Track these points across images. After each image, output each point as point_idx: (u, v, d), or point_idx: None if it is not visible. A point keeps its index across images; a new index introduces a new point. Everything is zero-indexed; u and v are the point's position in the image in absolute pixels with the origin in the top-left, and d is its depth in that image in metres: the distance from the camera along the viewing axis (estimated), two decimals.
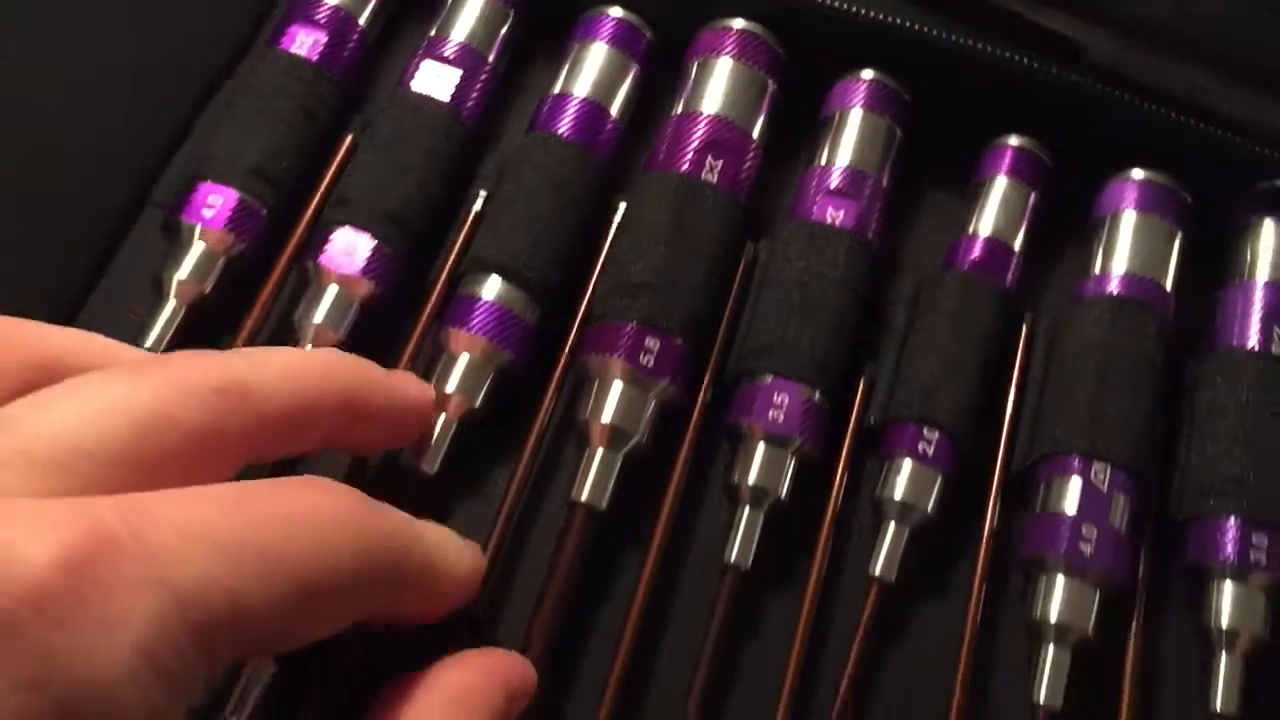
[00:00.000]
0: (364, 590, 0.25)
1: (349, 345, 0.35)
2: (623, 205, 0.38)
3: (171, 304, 0.35)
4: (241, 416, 0.26)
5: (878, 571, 0.34)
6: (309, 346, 0.35)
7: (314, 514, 0.24)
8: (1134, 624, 0.33)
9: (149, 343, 0.34)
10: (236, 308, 0.35)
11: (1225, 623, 0.33)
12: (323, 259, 0.35)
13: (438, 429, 0.34)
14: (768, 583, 0.34)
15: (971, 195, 0.40)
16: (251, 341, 0.35)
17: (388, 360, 0.34)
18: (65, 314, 0.37)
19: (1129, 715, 0.32)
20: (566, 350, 0.35)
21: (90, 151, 0.38)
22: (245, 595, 0.22)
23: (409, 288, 0.37)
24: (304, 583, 0.23)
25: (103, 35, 0.39)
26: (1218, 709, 0.32)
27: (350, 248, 0.36)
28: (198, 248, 0.35)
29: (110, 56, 0.39)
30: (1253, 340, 0.36)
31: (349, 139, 0.37)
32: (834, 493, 0.35)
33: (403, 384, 0.31)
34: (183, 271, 0.35)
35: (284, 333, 0.36)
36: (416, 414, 0.31)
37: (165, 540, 0.21)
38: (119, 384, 0.24)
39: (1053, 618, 0.33)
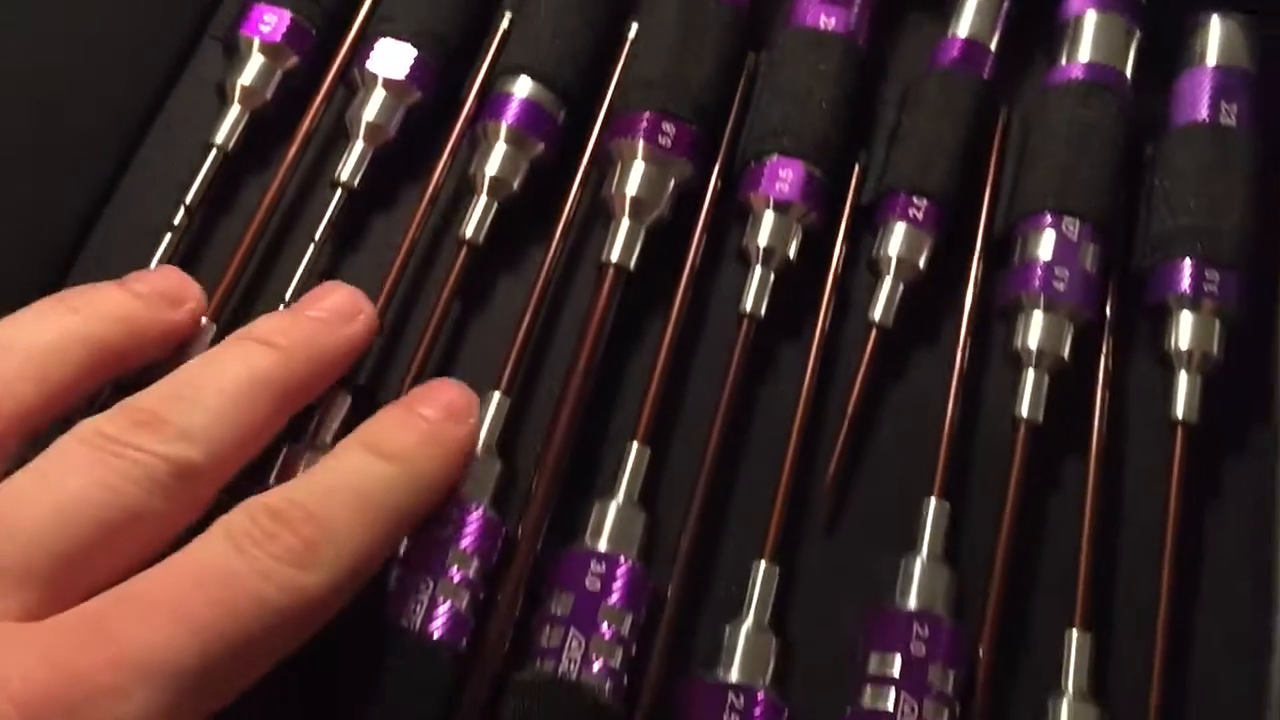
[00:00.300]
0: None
1: (398, 143, 0.39)
2: (635, 25, 0.42)
3: (236, 109, 0.39)
4: (193, 491, 0.28)
5: (876, 317, 0.38)
6: (361, 144, 0.39)
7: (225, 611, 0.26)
8: (1104, 351, 0.38)
9: (219, 139, 0.38)
10: (294, 120, 0.39)
11: (1184, 345, 0.37)
12: (370, 64, 0.40)
13: (480, 207, 0.38)
14: (779, 333, 0.39)
15: (951, 5, 0.44)
16: (306, 145, 0.39)
17: (430, 153, 0.38)
18: (133, 138, 0.41)
19: (1100, 429, 0.37)
20: (594, 135, 0.40)
21: None
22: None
23: (446, 101, 0.41)
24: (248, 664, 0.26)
25: None
26: (1179, 417, 0.36)
27: (394, 55, 0.40)
28: (257, 59, 0.39)
29: None
30: (1203, 114, 0.40)
31: None
32: (835, 253, 0.39)
33: (326, 333, 0.33)
34: (245, 78, 0.39)
35: (338, 137, 0.40)
36: (355, 338, 0.34)
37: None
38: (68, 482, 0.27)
39: (1032, 344, 0.37)
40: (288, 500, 0.28)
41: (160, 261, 0.36)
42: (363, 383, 0.36)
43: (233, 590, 0.26)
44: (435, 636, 0.31)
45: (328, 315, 0.33)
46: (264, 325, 0.32)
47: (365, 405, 0.34)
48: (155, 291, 0.33)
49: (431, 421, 0.32)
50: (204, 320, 0.35)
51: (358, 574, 0.28)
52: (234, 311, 0.37)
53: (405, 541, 0.32)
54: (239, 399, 0.30)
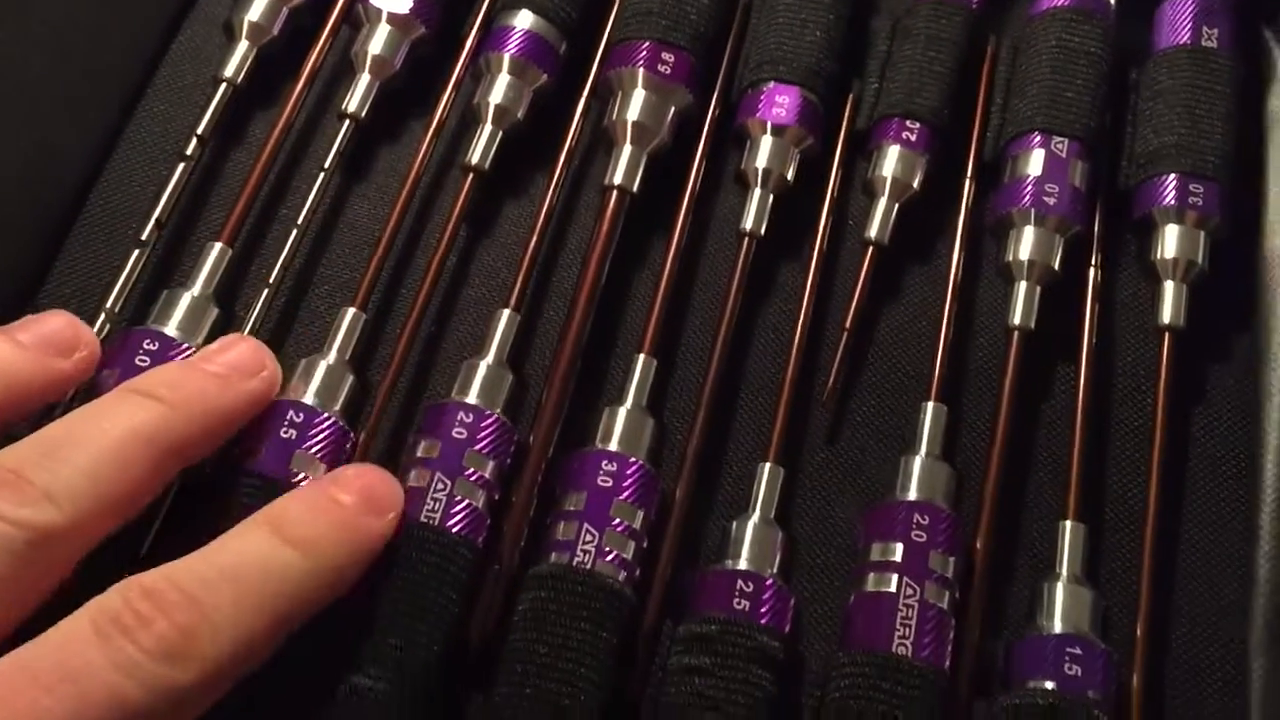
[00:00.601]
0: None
1: (403, 76, 0.41)
2: None
3: (244, 44, 0.40)
4: (57, 554, 0.27)
5: (873, 235, 0.39)
6: (367, 77, 0.40)
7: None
8: (1092, 263, 0.39)
9: (228, 73, 0.39)
10: (300, 56, 0.40)
11: (1170, 254, 0.38)
12: (374, 0, 0.41)
13: (485, 135, 0.39)
14: (778, 253, 0.40)
15: None
16: (313, 79, 0.40)
17: (433, 88, 0.39)
18: (145, 68, 0.42)
19: (1089, 336, 0.38)
20: (595, 67, 0.41)
21: None
22: None
23: (449, 36, 0.42)
24: None
25: None
26: (1166, 322, 0.37)
27: None
28: None
29: None
30: (1185, 37, 0.42)
31: None
32: (832, 176, 0.40)
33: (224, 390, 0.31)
34: (253, 14, 0.40)
35: (343, 72, 0.41)
36: (254, 395, 0.32)
37: None
38: None
39: (1023, 256, 0.38)
40: (168, 581, 0.26)
41: (175, 189, 0.37)
42: (370, 313, 0.37)
43: (87, 688, 0.24)
44: (455, 531, 0.32)
45: (225, 370, 0.32)
46: (153, 378, 0.31)
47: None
48: (41, 340, 0.31)
49: (346, 509, 0.30)
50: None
51: (239, 666, 0.27)
52: (247, 237, 0.38)
53: (421, 444, 0.33)
54: (114, 456, 0.28)
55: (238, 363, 0.32)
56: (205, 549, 0.28)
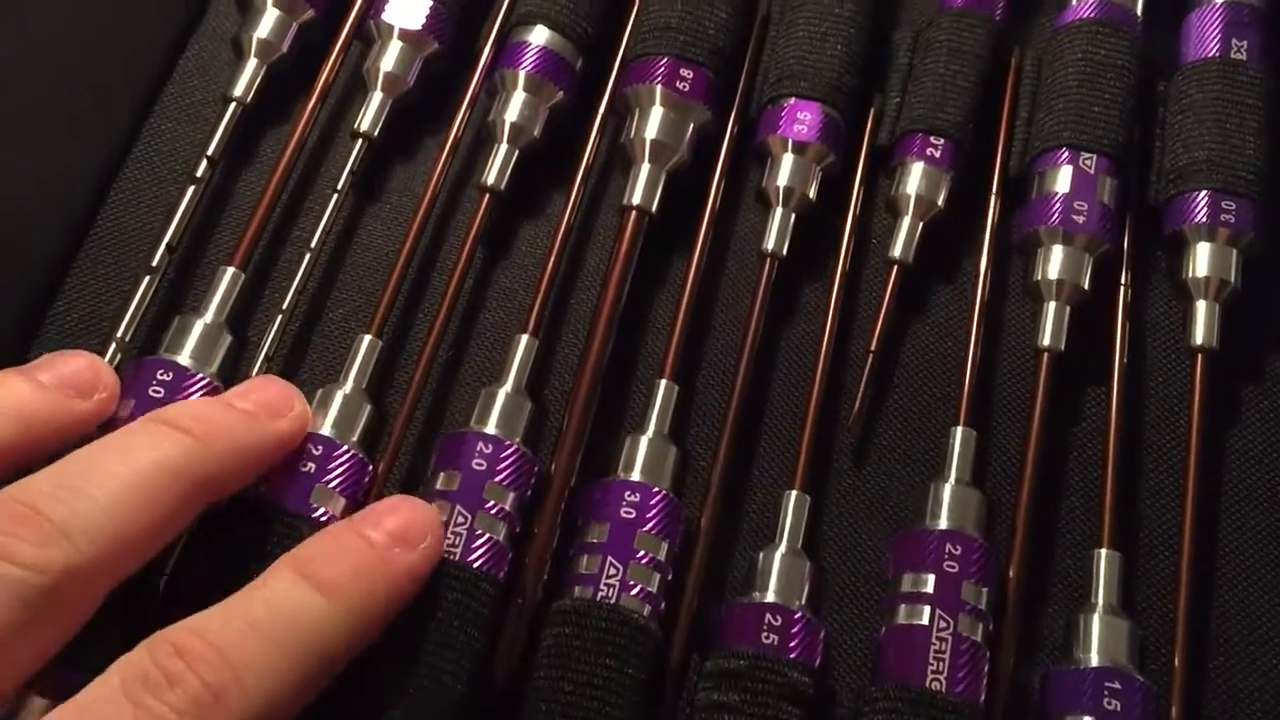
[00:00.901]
0: None
1: (416, 93, 0.40)
2: None
3: (253, 63, 0.39)
4: (80, 590, 0.26)
5: (897, 254, 0.38)
6: (379, 95, 0.39)
7: None
8: (1123, 282, 0.38)
9: (237, 92, 0.38)
10: (311, 73, 0.39)
11: (1202, 273, 0.37)
12: (385, 15, 0.40)
13: (501, 155, 0.38)
14: (801, 273, 0.39)
15: None
16: (325, 97, 0.39)
17: (448, 104, 0.39)
18: (152, 86, 0.41)
19: (1120, 357, 0.37)
20: (611, 82, 0.40)
21: None
22: None
23: (463, 51, 0.41)
24: None
25: None
26: (1199, 343, 0.37)
27: (410, 6, 0.40)
28: (272, 13, 0.40)
29: None
30: (1214, 50, 0.41)
31: None
32: (854, 194, 0.39)
33: (256, 426, 0.30)
34: (261, 31, 0.39)
35: (355, 89, 0.41)
36: (283, 435, 0.31)
37: None
38: None
39: (1052, 276, 0.37)
40: (197, 636, 0.25)
41: (185, 212, 0.36)
42: (386, 339, 0.36)
43: None
44: (476, 566, 0.31)
45: (255, 408, 0.31)
46: (182, 410, 0.30)
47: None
48: (62, 380, 0.30)
49: (377, 547, 0.29)
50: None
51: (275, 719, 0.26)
52: (260, 261, 0.38)
53: (440, 476, 0.32)
54: (139, 489, 0.27)
55: (267, 402, 0.31)
56: (232, 600, 0.27)
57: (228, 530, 0.31)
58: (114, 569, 0.27)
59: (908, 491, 0.36)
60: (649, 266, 0.39)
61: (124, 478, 0.27)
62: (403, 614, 0.30)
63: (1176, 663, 0.33)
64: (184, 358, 0.33)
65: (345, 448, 0.32)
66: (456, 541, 0.31)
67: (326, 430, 0.33)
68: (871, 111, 0.41)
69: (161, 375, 0.32)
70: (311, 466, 0.32)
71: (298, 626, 0.27)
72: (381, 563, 0.29)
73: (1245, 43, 0.41)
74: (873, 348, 0.37)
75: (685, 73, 0.39)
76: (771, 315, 0.38)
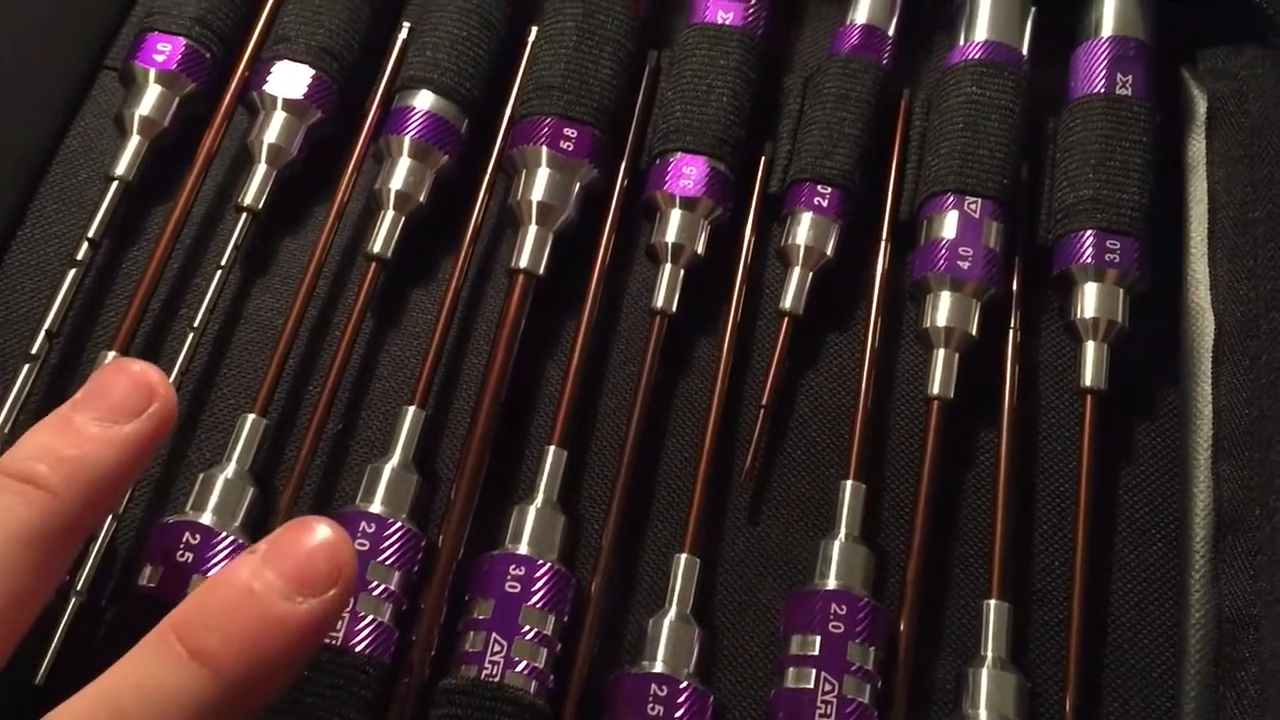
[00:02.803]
0: None
1: (301, 163, 0.39)
2: (535, 29, 0.42)
3: (135, 140, 0.39)
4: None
5: (787, 306, 0.38)
6: (263, 167, 0.39)
7: None
8: (1012, 325, 0.38)
9: (119, 170, 0.38)
10: (194, 144, 0.39)
11: (1090, 313, 0.37)
12: (268, 86, 0.39)
13: (387, 222, 0.38)
14: (692, 327, 0.39)
15: None
16: (206, 170, 0.39)
17: (335, 169, 0.39)
18: (36, 167, 0.41)
19: (1011, 401, 0.37)
20: (499, 142, 0.40)
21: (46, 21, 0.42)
22: None
23: (352, 115, 0.41)
24: None
25: None
26: (1088, 384, 0.37)
27: (292, 76, 0.40)
28: (154, 89, 0.39)
29: None
30: (1100, 85, 0.41)
31: None
32: (745, 245, 0.39)
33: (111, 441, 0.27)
34: (143, 108, 0.39)
35: (241, 159, 0.40)
36: (145, 436, 0.27)
37: None
38: None
39: (940, 323, 0.37)
40: None
41: (66, 296, 0.36)
42: (275, 415, 0.36)
43: None
44: (359, 650, 0.31)
45: (107, 415, 0.27)
46: (27, 451, 0.26)
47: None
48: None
49: (270, 599, 0.24)
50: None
51: None
52: (145, 341, 0.37)
53: None
54: None
55: (122, 404, 0.27)
56: (100, 684, 0.25)
57: (105, 623, 0.31)
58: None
59: (803, 544, 0.36)
60: (540, 327, 0.39)
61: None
62: (283, 700, 0.29)
63: (1068, 708, 0.33)
64: None
65: (226, 535, 0.32)
66: (339, 626, 0.31)
67: (206, 519, 0.33)
68: (762, 159, 0.41)
69: None
70: (189, 557, 0.32)
71: (171, 709, 0.23)
72: (277, 621, 0.24)
73: (1130, 77, 0.41)
74: (764, 402, 0.37)
75: (569, 132, 0.39)
76: (664, 371, 0.38)
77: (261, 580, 0.24)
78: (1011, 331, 0.38)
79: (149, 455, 0.28)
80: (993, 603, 0.34)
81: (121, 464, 0.27)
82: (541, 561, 0.33)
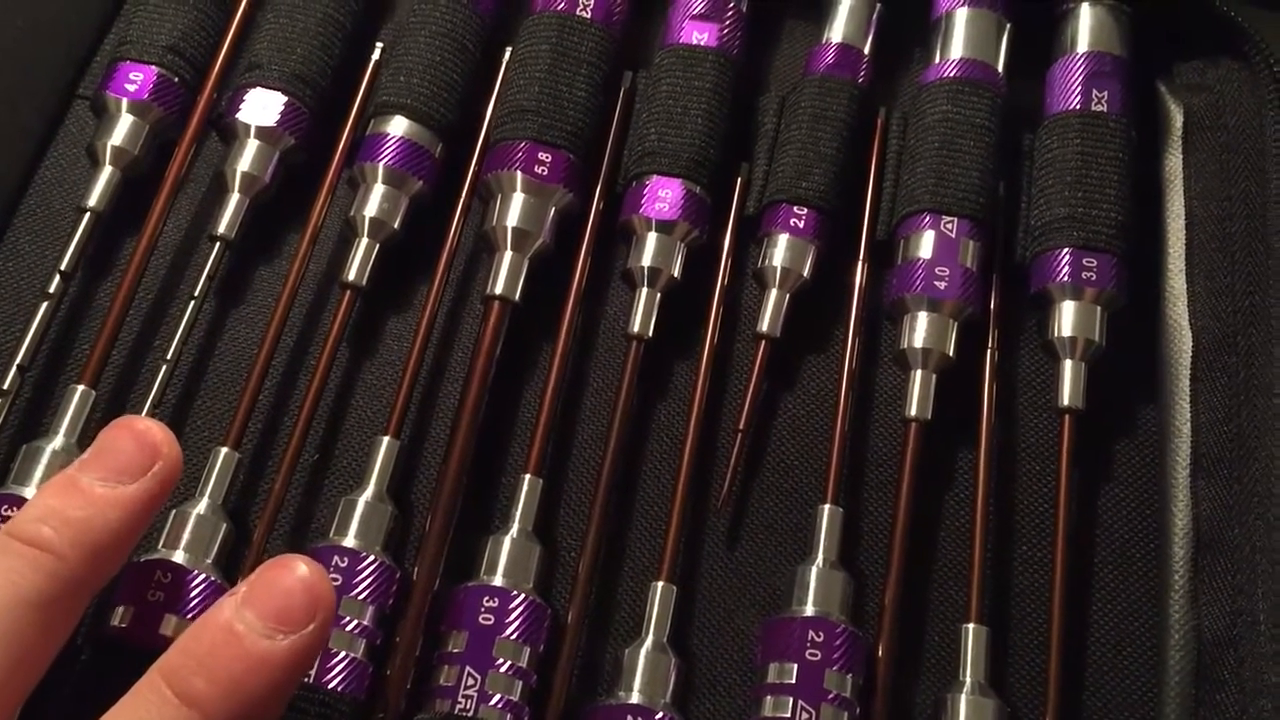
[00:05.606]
0: None
1: (276, 188, 0.39)
2: (509, 50, 0.42)
3: (107, 170, 0.39)
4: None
5: (764, 329, 0.38)
6: (237, 196, 0.38)
7: None
8: (990, 344, 0.38)
9: (92, 202, 0.38)
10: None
11: (1067, 332, 0.37)
12: (240, 114, 0.39)
13: (362, 250, 0.38)
14: (669, 351, 0.39)
15: (824, 10, 0.44)
16: (174, 196, 0.39)
17: (309, 195, 0.38)
18: (9, 197, 0.40)
19: (989, 421, 0.37)
20: (473, 166, 0.40)
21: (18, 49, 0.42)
22: None
23: (326, 140, 0.40)
24: None
25: None
26: (1066, 404, 0.37)
27: (265, 104, 0.39)
28: (125, 119, 0.39)
29: None
30: (1075, 102, 0.41)
31: (244, 4, 0.41)
32: (722, 266, 0.39)
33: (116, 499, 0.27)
34: (115, 138, 0.39)
35: (215, 188, 0.40)
36: (150, 496, 0.28)
37: None
38: None
39: (917, 344, 0.37)
40: None
41: (38, 329, 0.36)
42: (249, 447, 0.36)
43: None
44: (333, 687, 0.31)
45: (111, 476, 0.27)
46: (34, 514, 0.27)
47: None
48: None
49: (253, 639, 0.25)
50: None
51: None
52: (117, 373, 0.37)
53: None
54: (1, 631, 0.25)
55: (127, 465, 0.27)
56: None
57: (80, 669, 0.30)
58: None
59: (781, 569, 0.36)
60: (516, 352, 0.38)
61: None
62: None
63: None
64: (30, 490, 0.33)
65: (199, 573, 0.32)
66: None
67: (179, 557, 0.32)
68: (739, 180, 0.41)
69: (5, 511, 0.32)
70: (160, 595, 0.31)
71: None
72: (259, 659, 0.25)
73: (1106, 93, 0.41)
74: (741, 426, 0.37)
75: (544, 156, 0.39)
76: (641, 396, 0.38)
77: (242, 621, 0.25)
78: (989, 351, 0.38)
79: (153, 513, 0.28)
80: (971, 627, 0.34)
81: (126, 523, 0.27)
82: (516, 593, 0.33)
